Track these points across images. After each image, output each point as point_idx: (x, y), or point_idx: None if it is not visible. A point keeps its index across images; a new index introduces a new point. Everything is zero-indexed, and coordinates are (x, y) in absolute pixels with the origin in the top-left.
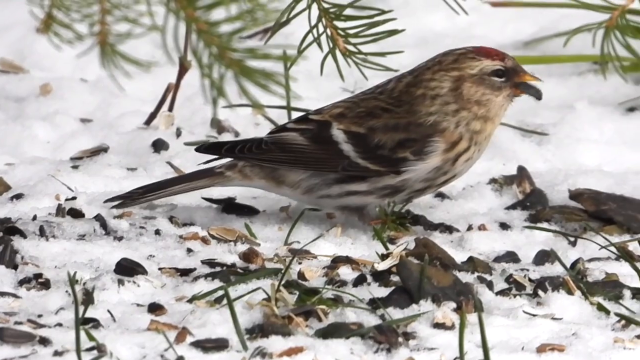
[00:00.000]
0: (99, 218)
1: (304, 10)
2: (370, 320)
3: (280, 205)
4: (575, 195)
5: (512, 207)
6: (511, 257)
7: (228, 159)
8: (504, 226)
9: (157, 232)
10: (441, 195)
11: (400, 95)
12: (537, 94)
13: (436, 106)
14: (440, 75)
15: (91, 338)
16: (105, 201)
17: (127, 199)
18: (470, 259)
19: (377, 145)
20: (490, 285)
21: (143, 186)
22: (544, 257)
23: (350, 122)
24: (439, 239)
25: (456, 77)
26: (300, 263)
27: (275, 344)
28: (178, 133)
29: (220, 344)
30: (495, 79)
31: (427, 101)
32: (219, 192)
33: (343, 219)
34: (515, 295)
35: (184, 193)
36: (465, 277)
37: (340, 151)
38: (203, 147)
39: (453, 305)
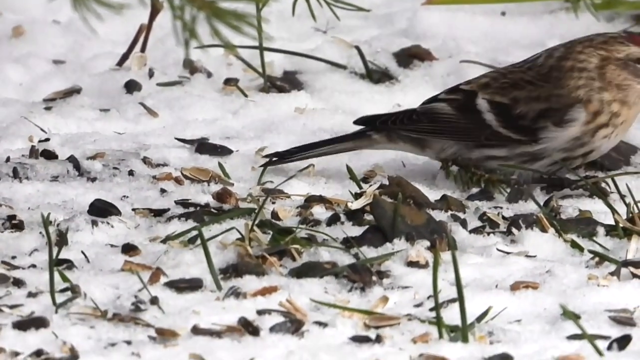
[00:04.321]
0: (72, 159)
1: None
2: (344, 259)
3: (254, 146)
4: None
5: None
6: (484, 195)
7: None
8: None
9: (131, 172)
10: None
11: (550, 72)
12: None
13: (583, 80)
14: (590, 51)
15: (65, 279)
16: (264, 160)
17: (279, 158)
18: (444, 197)
19: (518, 116)
20: (463, 224)
21: (295, 147)
22: (517, 194)
23: (495, 92)
24: (411, 179)
25: (603, 56)
26: (273, 203)
27: (249, 283)
28: (150, 74)
29: (194, 284)
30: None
31: (575, 73)
32: (192, 132)
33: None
34: (488, 233)
35: (331, 154)
36: (439, 215)
37: (483, 120)
38: (360, 121)
39: (427, 243)
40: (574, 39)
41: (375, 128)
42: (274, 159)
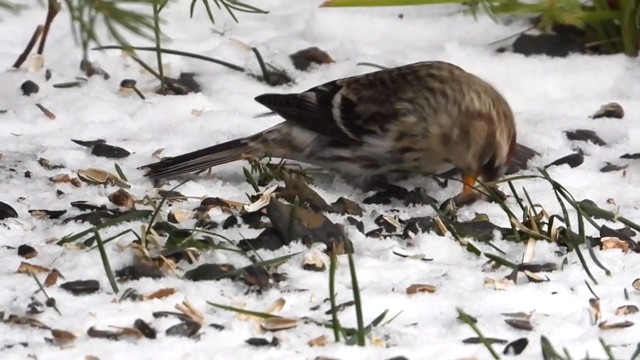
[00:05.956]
0: None
1: None
2: (241, 261)
3: (150, 148)
4: None
5: None
6: (381, 198)
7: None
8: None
9: (27, 174)
10: None
11: (409, 74)
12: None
13: (421, 99)
14: (485, 98)
15: None
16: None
17: (154, 171)
18: (341, 200)
19: (357, 115)
20: (360, 227)
21: (169, 158)
22: (414, 198)
23: (354, 89)
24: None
25: (490, 116)
26: (170, 205)
27: (145, 285)
28: (48, 75)
29: (90, 286)
30: (487, 160)
31: (426, 93)
32: (89, 133)
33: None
34: (385, 237)
35: (209, 165)
36: (336, 218)
37: (331, 114)
38: (260, 98)
39: (323, 246)
40: (485, 85)
41: (251, 136)
42: (149, 169)
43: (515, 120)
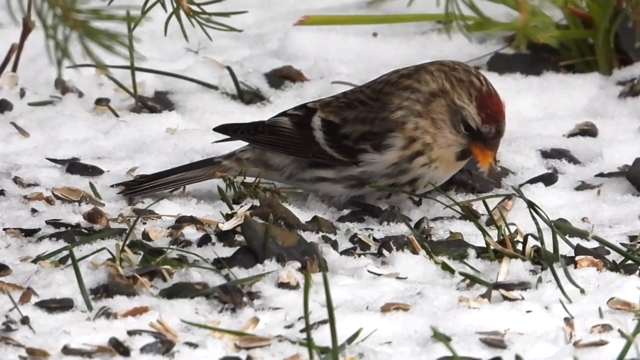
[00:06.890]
0: None
1: None
2: (215, 280)
3: (125, 166)
4: None
5: None
6: (355, 216)
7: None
8: None
9: (2, 192)
10: None
11: (383, 88)
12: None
13: (409, 101)
14: (439, 75)
15: None
16: (112, 185)
17: (127, 189)
18: (315, 218)
19: (343, 136)
20: (334, 245)
21: (142, 176)
22: (388, 216)
23: (331, 111)
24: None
25: (444, 88)
26: (144, 223)
27: (120, 304)
28: (22, 93)
29: (65, 304)
30: (462, 125)
31: (405, 93)
32: (63, 152)
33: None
34: (359, 255)
35: (182, 183)
36: (310, 236)
37: (313, 137)
38: (219, 128)
39: (298, 264)
40: (441, 60)
41: (224, 155)
42: (123, 187)
43: (477, 80)
